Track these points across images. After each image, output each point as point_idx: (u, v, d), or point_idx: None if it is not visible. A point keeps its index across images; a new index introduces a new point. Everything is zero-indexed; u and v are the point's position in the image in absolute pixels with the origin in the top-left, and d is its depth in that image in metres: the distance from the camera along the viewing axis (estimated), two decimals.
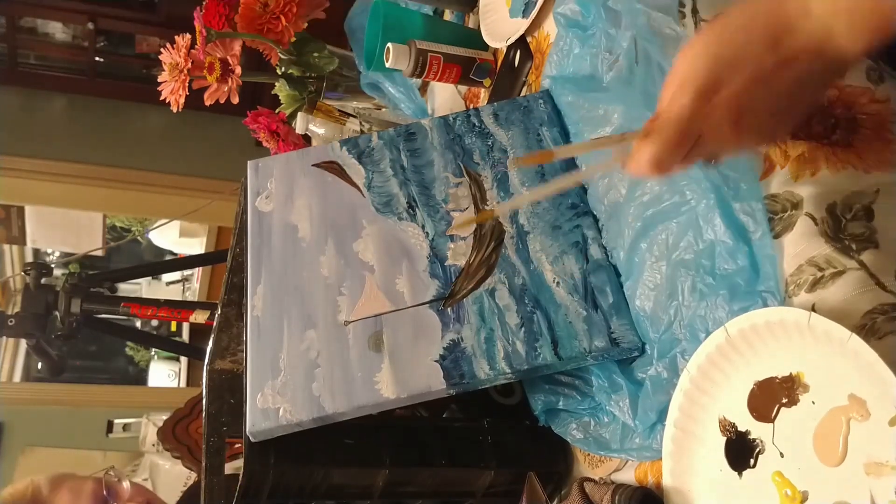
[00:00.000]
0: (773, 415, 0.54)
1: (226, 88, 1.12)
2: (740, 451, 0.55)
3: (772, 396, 0.54)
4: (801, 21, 0.47)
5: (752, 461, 0.55)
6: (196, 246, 4.19)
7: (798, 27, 0.47)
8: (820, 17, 0.47)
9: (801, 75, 0.48)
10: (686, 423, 0.59)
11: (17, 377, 3.90)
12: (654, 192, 0.66)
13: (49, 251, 4.29)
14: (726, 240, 0.58)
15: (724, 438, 0.57)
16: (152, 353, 4.30)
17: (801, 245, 0.54)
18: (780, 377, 0.54)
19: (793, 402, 0.53)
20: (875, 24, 0.46)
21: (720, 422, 0.57)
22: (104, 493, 1.11)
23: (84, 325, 1.67)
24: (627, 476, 0.70)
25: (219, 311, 0.85)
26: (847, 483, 0.48)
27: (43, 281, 1.68)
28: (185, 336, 4.07)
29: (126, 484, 1.14)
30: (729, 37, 0.49)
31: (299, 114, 1.27)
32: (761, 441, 0.54)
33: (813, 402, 0.52)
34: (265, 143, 1.37)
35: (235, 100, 1.13)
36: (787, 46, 0.47)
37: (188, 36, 1.11)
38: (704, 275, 0.60)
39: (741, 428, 0.56)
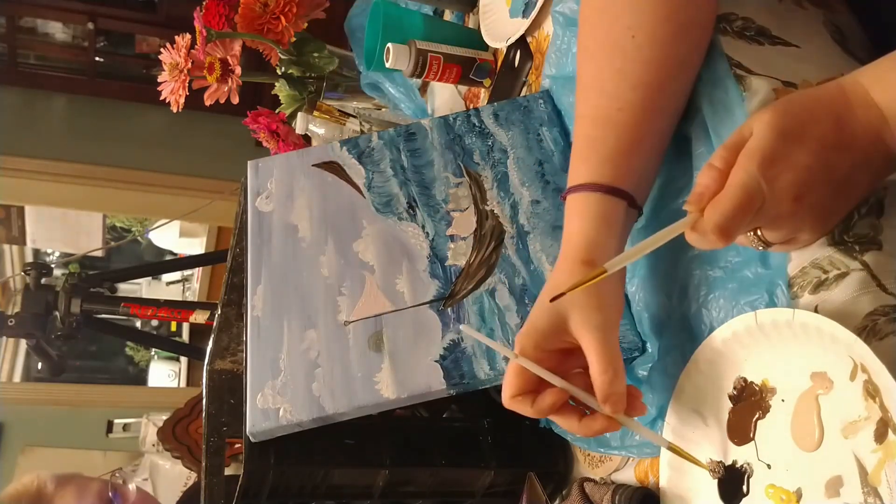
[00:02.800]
0: (752, 433, 0.55)
1: (226, 88, 1.12)
2: (732, 485, 0.56)
3: (746, 417, 0.55)
4: (862, 109, 0.49)
5: (744, 488, 0.55)
6: (196, 246, 4.19)
7: (859, 114, 0.49)
8: (879, 105, 0.49)
9: (859, 161, 0.49)
10: (687, 415, 0.59)
11: (17, 377, 3.90)
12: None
13: (49, 251, 4.30)
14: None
15: (716, 481, 0.57)
16: (152, 353, 4.30)
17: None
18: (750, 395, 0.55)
19: (765, 410, 0.54)
20: None
21: (708, 465, 0.58)
22: (109, 494, 1.11)
23: (84, 325, 1.67)
24: (627, 476, 0.70)
25: (219, 311, 0.85)
26: (833, 458, 0.49)
27: (43, 281, 1.68)
28: (185, 336, 4.07)
29: (132, 487, 1.14)
30: (795, 113, 0.49)
31: (299, 114, 1.27)
32: (748, 464, 0.55)
33: (783, 400, 0.53)
34: (265, 143, 1.37)
35: (235, 100, 1.12)
36: (849, 131, 0.49)
37: (188, 36, 1.11)
38: (713, 269, 0.60)
39: (727, 462, 0.56)
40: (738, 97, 0.59)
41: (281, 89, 1.26)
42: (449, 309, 0.72)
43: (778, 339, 0.52)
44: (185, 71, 1.11)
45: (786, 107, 0.50)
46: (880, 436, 0.45)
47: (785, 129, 0.48)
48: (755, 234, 0.51)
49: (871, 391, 0.46)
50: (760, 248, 0.52)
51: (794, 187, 0.48)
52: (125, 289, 3.98)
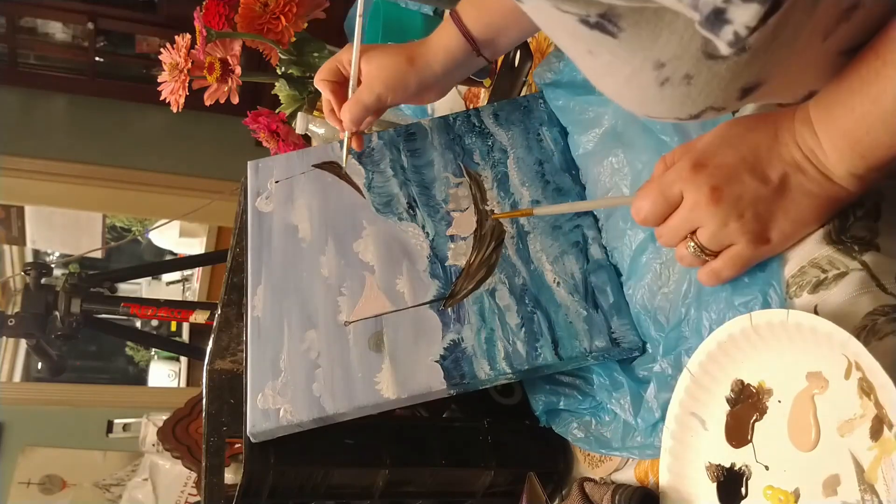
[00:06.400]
0: (749, 435, 0.55)
1: (226, 88, 1.12)
2: (731, 488, 0.56)
3: (744, 419, 0.55)
4: (801, 125, 0.50)
5: (743, 490, 0.55)
6: (196, 246, 4.19)
7: (798, 130, 0.50)
8: (812, 121, 0.50)
9: (791, 174, 0.51)
10: (685, 419, 0.59)
11: (17, 377, 3.90)
12: None
13: (49, 251, 4.29)
14: None
15: (715, 484, 0.57)
16: (152, 353, 4.30)
17: (804, 247, 0.54)
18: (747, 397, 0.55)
19: (762, 412, 0.54)
20: (854, 150, 0.48)
21: (707, 468, 0.58)
22: None
23: (84, 325, 1.67)
24: (627, 476, 0.70)
25: (219, 312, 0.85)
26: (830, 457, 0.49)
27: (43, 281, 1.68)
28: (185, 336, 4.07)
29: None
30: (743, 123, 0.53)
31: (299, 114, 1.27)
32: (746, 467, 0.55)
33: (779, 401, 0.53)
34: (265, 143, 1.36)
35: (235, 100, 1.12)
36: (784, 143, 0.51)
37: (188, 36, 1.11)
38: None
39: (727, 464, 0.56)
40: None
41: (281, 89, 1.26)
42: (449, 309, 0.72)
43: (773, 340, 0.52)
44: (185, 71, 1.11)
45: (737, 120, 0.54)
46: (876, 433, 0.46)
47: (726, 136, 0.53)
48: (692, 237, 0.55)
49: (866, 389, 0.46)
50: (697, 252, 0.55)
51: (711, 178, 0.52)
52: (125, 289, 3.98)
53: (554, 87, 0.81)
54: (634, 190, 0.69)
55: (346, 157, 0.81)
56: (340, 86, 0.79)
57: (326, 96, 0.80)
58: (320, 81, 0.80)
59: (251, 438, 0.69)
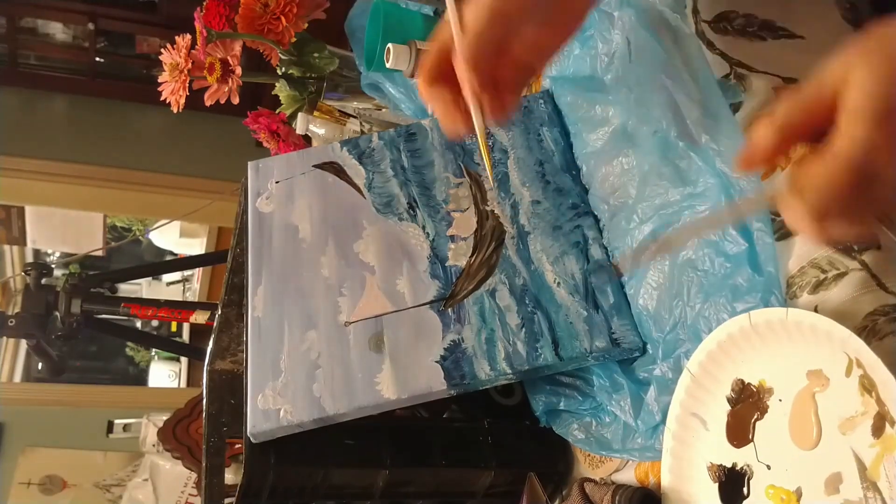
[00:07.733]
0: (751, 434, 0.55)
1: (226, 89, 1.12)
2: (733, 488, 0.56)
3: (745, 418, 0.55)
4: None
5: (745, 490, 0.55)
6: (196, 246, 4.19)
7: None
8: None
9: None
10: (686, 419, 0.59)
11: (17, 377, 3.90)
12: (666, 193, 0.66)
13: (49, 251, 4.30)
14: (731, 241, 0.58)
15: (716, 484, 0.57)
16: (152, 353, 4.30)
17: (803, 246, 0.54)
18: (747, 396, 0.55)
19: (763, 411, 0.54)
20: None
21: (709, 468, 0.58)
22: None
23: (84, 326, 1.67)
24: (628, 476, 0.70)
25: (219, 312, 0.85)
26: (832, 455, 0.49)
27: (43, 281, 1.68)
28: (186, 336, 4.07)
29: None
30: None
31: (299, 114, 1.27)
32: (748, 466, 0.55)
33: (780, 400, 0.53)
34: (265, 144, 1.36)
35: (236, 100, 1.13)
36: None
37: (188, 36, 1.11)
38: (708, 275, 0.60)
39: (728, 464, 0.56)
40: (723, 105, 0.60)
41: (281, 89, 1.27)
42: (449, 309, 0.72)
43: (773, 338, 0.52)
44: (186, 71, 1.11)
45: (886, 49, 0.37)
46: (877, 430, 0.46)
47: None
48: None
49: (867, 386, 0.46)
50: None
51: None
52: (125, 289, 3.98)
53: (561, 83, 0.81)
54: (641, 191, 0.69)
55: (488, 160, 0.58)
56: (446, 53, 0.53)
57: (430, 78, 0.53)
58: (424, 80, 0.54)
59: (251, 439, 0.69)
